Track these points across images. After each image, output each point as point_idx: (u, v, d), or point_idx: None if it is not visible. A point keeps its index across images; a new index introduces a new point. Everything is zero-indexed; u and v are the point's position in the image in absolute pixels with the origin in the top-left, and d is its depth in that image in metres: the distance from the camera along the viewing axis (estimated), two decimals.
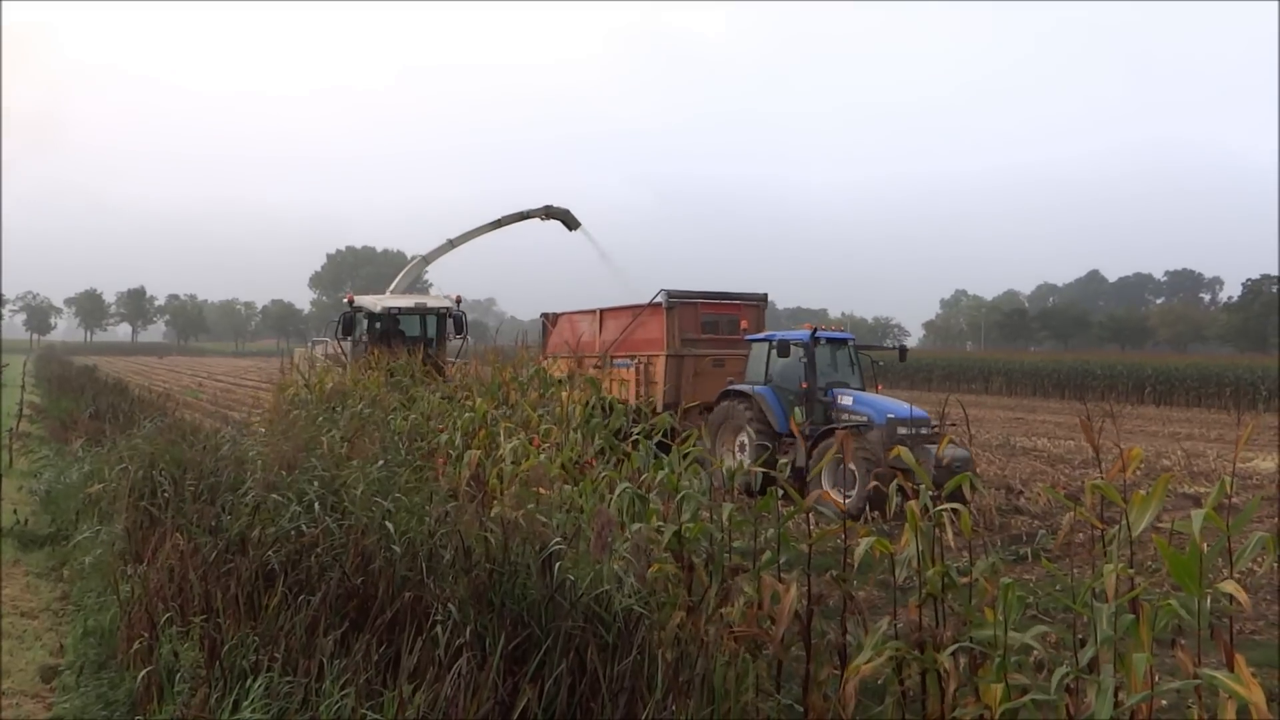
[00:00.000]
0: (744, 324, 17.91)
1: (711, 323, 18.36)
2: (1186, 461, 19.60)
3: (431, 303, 21.69)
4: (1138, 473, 4.42)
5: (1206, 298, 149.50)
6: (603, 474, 7.72)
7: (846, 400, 14.97)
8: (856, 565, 5.47)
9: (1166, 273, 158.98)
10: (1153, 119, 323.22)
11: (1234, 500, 4.32)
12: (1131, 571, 4.21)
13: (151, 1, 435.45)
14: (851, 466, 13.30)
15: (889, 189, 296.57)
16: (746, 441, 15.30)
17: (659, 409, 16.54)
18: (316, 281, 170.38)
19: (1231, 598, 3.83)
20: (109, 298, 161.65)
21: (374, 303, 21.20)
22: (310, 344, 24.75)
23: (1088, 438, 4.55)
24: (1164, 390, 46.69)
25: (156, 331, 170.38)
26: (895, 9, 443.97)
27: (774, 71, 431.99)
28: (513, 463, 9.01)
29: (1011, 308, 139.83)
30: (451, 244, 24.21)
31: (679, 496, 6.35)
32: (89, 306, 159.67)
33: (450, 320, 21.03)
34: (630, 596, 5.35)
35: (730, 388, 16.23)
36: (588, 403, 10.80)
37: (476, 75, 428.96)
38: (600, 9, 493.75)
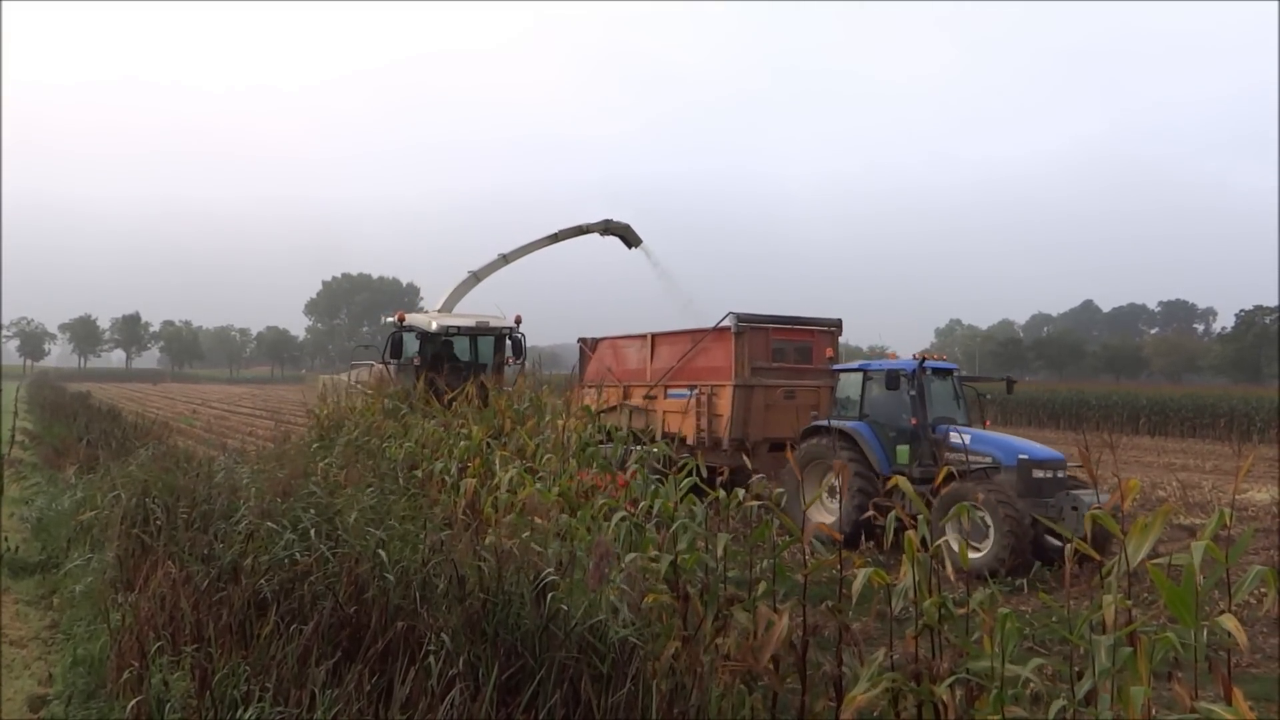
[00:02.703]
0: (829, 352, 16.60)
1: (780, 350, 16.68)
2: (1182, 492, 19.59)
3: (493, 322, 19.63)
4: (1134, 503, 4.41)
5: (1200, 328, 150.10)
6: (601, 502, 7.70)
7: (963, 438, 13.19)
8: (855, 597, 5.44)
9: (1160, 303, 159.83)
10: (1146, 153, 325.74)
11: (1232, 532, 4.31)
12: (1129, 603, 4.19)
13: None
14: (983, 515, 11.63)
15: (880, 209, 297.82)
16: (839, 485, 13.86)
17: (724, 444, 15.64)
18: (312, 308, 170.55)
19: (1229, 631, 3.82)
20: (103, 324, 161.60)
21: (427, 321, 19.13)
22: (351, 368, 21.76)
23: (1087, 468, 4.55)
24: (1159, 421, 46.70)
25: (151, 358, 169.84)
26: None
27: (747, 85, 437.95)
28: (508, 491, 8.99)
29: (1006, 337, 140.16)
30: (505, 259, 22.43)
31: (674, 525, 6.32)
32: (83, 332, 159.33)
33: (509, 342, 19.23)
34: (625, 626, 5.32)
35: (818, 423, 14.51)
36: (583, 431, 10.78)
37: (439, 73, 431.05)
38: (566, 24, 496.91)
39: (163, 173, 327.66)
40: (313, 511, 7.39)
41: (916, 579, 5.10)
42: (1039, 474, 12.24)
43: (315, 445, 12.86)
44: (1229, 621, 3.80)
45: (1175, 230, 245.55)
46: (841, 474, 6.53)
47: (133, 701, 5.33)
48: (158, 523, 8.06)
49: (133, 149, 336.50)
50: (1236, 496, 5.20)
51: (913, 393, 13.62)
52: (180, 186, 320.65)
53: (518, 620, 5.43)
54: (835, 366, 15.57)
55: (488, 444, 11.02)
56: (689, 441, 15.97)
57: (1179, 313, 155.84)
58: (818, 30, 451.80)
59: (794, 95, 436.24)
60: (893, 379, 13.45)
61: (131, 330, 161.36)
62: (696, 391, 16.38)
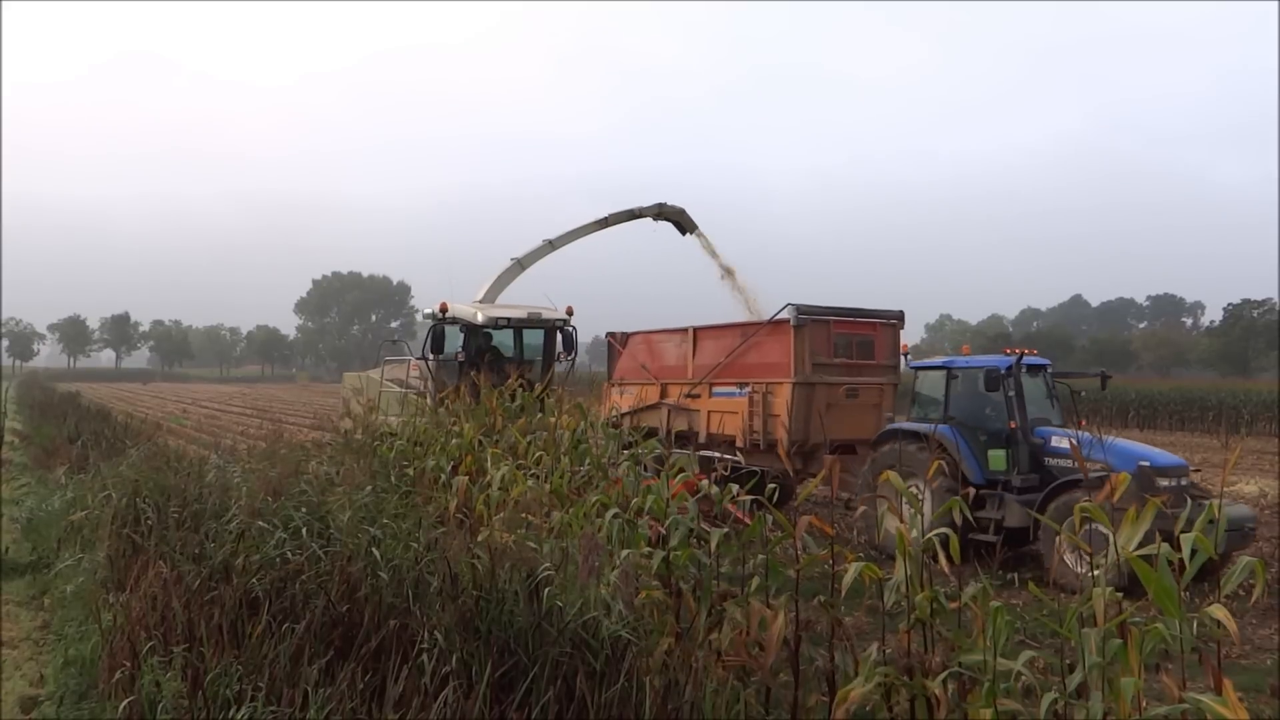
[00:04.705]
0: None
1: (841, 344, 15.40)
2: None
3: (545, 313, 18.02)
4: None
5: (1188, 322, 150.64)
6: (594, 499, 7.68)
7: (1066, 443, 12.03)
8: (844, 590, 5.45)
9: (1148, 297, 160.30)
10: (1124, 147, 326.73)
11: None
12: (1119, 595, 4.21)
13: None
14: (1102, 529, 10.94)
15: (864, 204, 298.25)
16: (924, 494, 12.00)
17: (782, 446, 14.39)
18: (302, 307, 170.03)
19: (1219, 622, 3.84)
20: (93, 324, 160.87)
21: (473, 312, 17.50)
22: (383, 363, 20.01)
23: (1079, 461, 4.57)
24: (1148, 414, 47.06)
25: (140, 357, 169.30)
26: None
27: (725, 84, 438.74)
28: (500, 489, 8.98)
29: (995, 332, 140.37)
30: (551, 245, 20.79)
31: (667, 522, 6.32)
32: (72, 332, 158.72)
33: (560, 336, 17.87)
34: (618, 623, 5.32)
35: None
36: (575, 428, 10.75)
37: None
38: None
39: (149, 172, 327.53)
40: (304, 510, 7.38)
41: (908, 573, 5.12)
42: (1164, 482, 11.03)
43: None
44: (1219, 611, 3.82)
45: (1161, 224, 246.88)
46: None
47: (124, 702, 5.31)
48: (149, 522, 8.03)
49: (117, 148, 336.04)
50: (1225, 489, 5.23)
51: (1011, 393, 12.52)
52: (166, 185, 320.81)
53: (511, 618, 5.44)
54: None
55: (479, 442, 11.01)
56: (738, 444, 15.27)
57: (1167, 307, 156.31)
58: (788, 26, 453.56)
59: (770, 90, 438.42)
60: (992, 379, 12.40)
61: (121, 330, 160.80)
62: (750, 389, 15.32)
